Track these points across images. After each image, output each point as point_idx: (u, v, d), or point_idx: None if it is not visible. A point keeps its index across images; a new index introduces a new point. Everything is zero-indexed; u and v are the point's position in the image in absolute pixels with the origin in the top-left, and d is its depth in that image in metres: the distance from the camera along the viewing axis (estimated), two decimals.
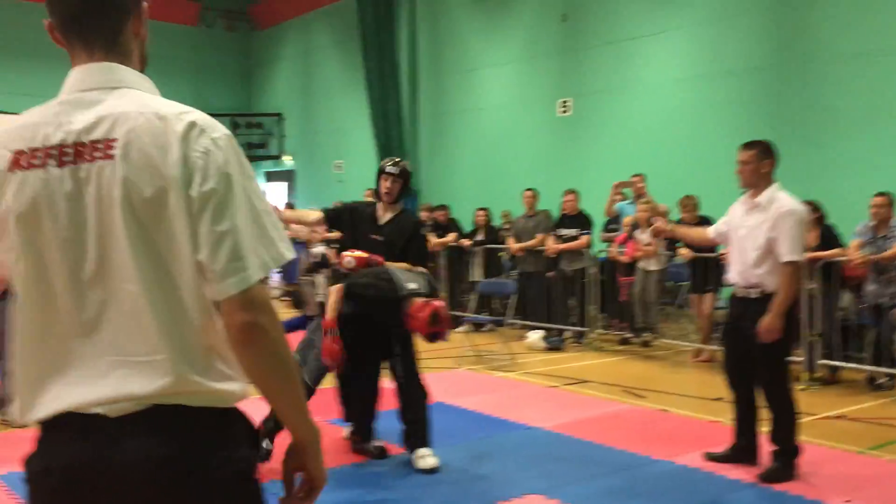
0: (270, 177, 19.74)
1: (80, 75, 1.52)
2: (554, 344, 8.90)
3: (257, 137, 18.91)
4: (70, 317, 1.46)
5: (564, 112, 12.53)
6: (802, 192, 8.44)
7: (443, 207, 11.33)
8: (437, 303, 4.50)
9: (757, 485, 4.41)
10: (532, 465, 4.78)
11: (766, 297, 4.43)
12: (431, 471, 4.62)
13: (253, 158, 18.91)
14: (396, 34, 15.26)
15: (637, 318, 8.83)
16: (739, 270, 4.58)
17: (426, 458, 4.68)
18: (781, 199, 4.45)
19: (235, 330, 1.44)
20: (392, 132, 15.20)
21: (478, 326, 9.89)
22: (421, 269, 4.80)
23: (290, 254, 1.51)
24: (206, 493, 1.45)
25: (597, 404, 6.36)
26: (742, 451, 4.71)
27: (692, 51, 10.90)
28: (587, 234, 8.99)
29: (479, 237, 10.51)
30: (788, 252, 4.36)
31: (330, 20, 17.29)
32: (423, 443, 4.74)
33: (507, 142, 13.34)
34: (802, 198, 7.80)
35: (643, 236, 8.63)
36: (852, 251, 6.89)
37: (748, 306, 4.51)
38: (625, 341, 9.10)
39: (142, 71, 1.59)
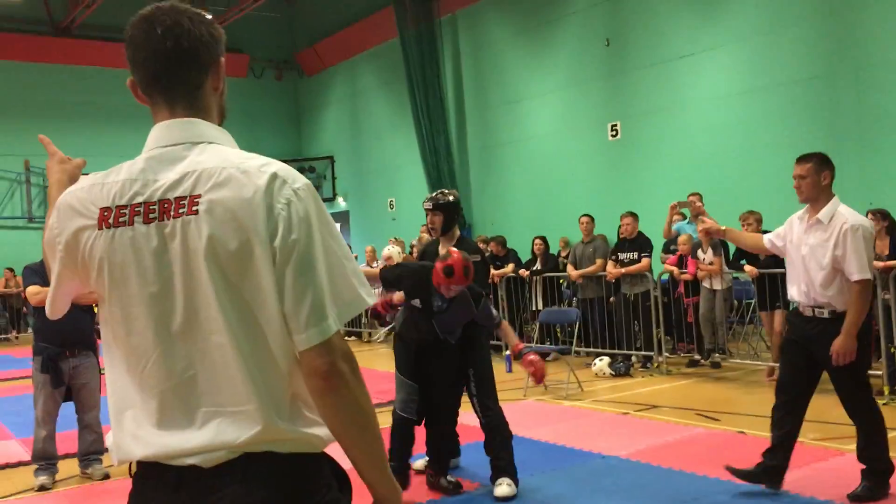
0: None
1: (162, 131, 1.56)
2: (620, 370, 8.78)
3: (311, 181, 19.22)
4: (160, 369, 1.49)
5: (615, 136, 12.51)
6: (865, 200, 8.32)
7: (499, 238, 11.35)
8: (454, 255, 4.63)
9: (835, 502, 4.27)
10: (612, 495, 4.71)
11: (837, 317, 4.26)
12: (504, 499, 4.65)
13: None
14: (441, 70, 15.46)
15: (705, 339, 8.68)
16: (804, 290, 4.41)
17: (501, 486, 4.72)
18: (844, 214, 4.28)
19: (316, 378, 1.46)
20: (442, 167, 15.34)
21: (543, 356, 9.80)
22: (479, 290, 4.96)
23: (370, 299, 1.53)
24: None
25: (671, 429, 6.25)
26: (769, 471, 4.46)
27: (740, 65, 10.81)
28: (647, 256, 8.89)
29: (538, 266, 10.48)
30: (858, 271, 4.18)
31: (375, 62, 17.60)
32: (503, 473, 4.77)
33: (559, 169, 13.34)
34: (867, 206, 7.70)
35: (705, 255, 8.52)
36: None
37: (817, 326, 4.34)
38: (693, 363, 8.94)
39: (221, 122, 1.64)
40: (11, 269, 15.10)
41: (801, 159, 4.43)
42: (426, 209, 5.18)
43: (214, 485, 1.45)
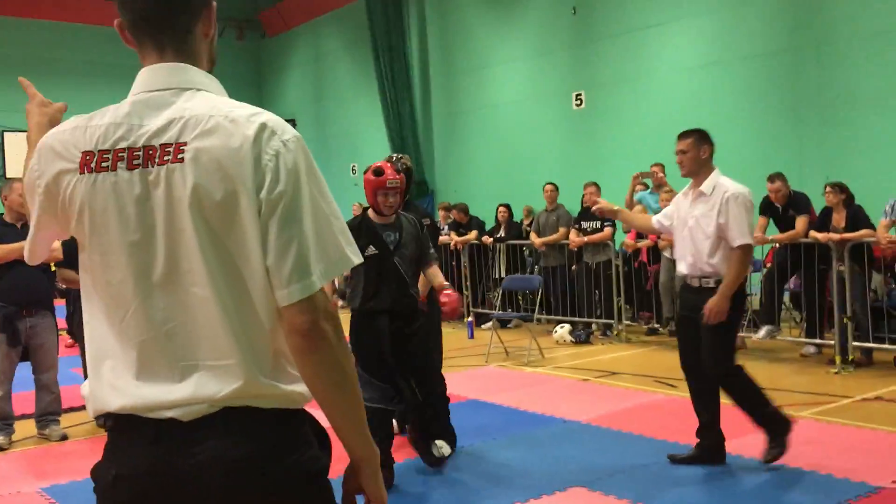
0: None
1: (149, 75, 1.52)
2: (581, 337, 8.89)
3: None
4: (139, 320, 1.47)
5: (579, 105, 12.52)
6: (824, 173, 8.46)
7: (461, 205, 11.34)
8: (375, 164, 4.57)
9: (794, 468, 4.39)
10: (572, 459, 4.79)
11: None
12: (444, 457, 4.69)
13: None
14: (407, 34, 15.28)
15: (664, 308, 8.80)
16: (691, 262, 4.51)
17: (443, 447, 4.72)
18: (725, 185, 4.40)
19: (297, 336, 1.43)
20: (406, 133, 15.24)
21: (504, 323, 9.89)
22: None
23: (356, 258, 1.50)
24: (278, 493, 1.46)
25: (630, 395, 6.36)
26: (710, 451, 4.55)
27: (706, 37, 10.86)
28: (610, 225, 8.97)
29: (501, 234, 10.51)
30: (739, 236, 4.30)
31: (339, 24, 17.34)
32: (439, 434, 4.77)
33: (524, 137, 13.33)
34: (825, 179, 7.82)
35: None
36: (881, 231, 6.85)
37: (704, 295, 4.38)
38: (653, 331, 9.08)
39: (211, 70, 1.60)
40: None
41: (682, 135, 4.57)
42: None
43: (194, 438, 1.43)
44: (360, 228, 4.44)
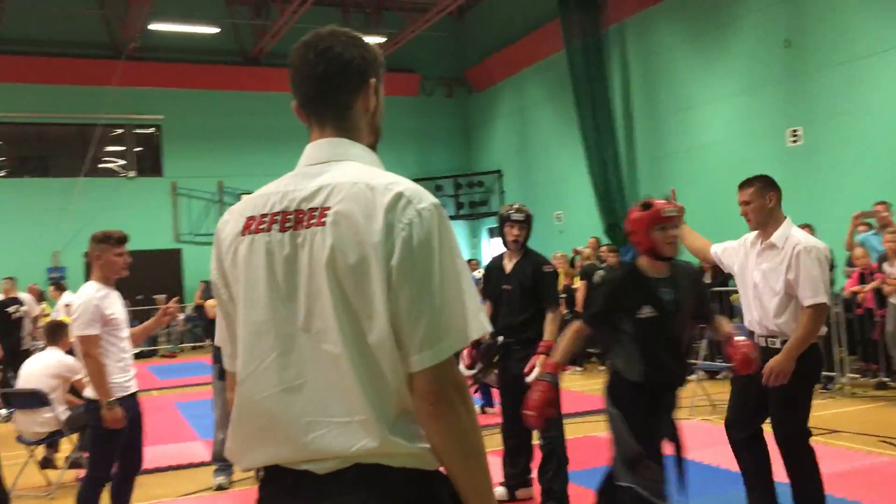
0: (493, 233, 20.22)
1: (311, 150, 1.65)
2: None
3: (479, 195, 19.52)
4: (271, 373, 1.55)
5: (795, 142, 11.81)
6: None
7: (550, 267, 10.95)
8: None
9: None
10: None
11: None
12: None
13: (475, 216, 19.54)
14: (609, 80, 15.22)
15: (893, 359, 7.99)
16: (758, 319, 4.03)
17: None
18: (797, 236, 3.96)
19: (424, 403, 1.48)
20: (610, 178, 15.08)
21: (711, 374, 9.41)
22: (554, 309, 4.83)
23: (485, 328, 1.53)
24: None
25: (851, 457, 5.80)
26: None
27: None
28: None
29: (708, 279, 10.06)
30: (811, 295, 3.83)
31: (542, 75, 17.61)
32: (552, 498, 4.73)
33: (734, 178, 12.63)
34: None
35: (893, 269, 7.87)
36: None
37: (768, 356, 3.91)
38: (881, 385, 8.25)
39: (375, 142, 1.70)
40: (207, 282, 16.34)
41: (743, 184, 4.13)
42: (515, 220, 4.95)
43: (326, 491, 1.49)
44: (630, 284, 3.72)
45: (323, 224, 1.51)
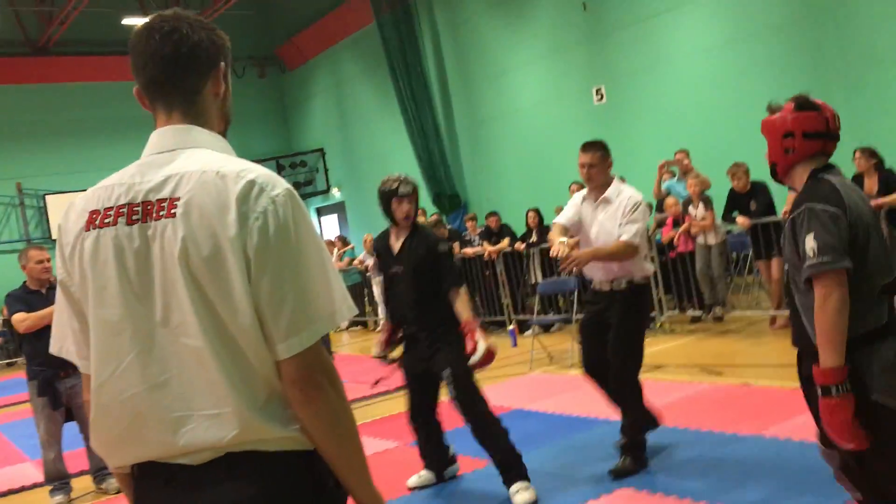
0: (321, 212, 20.03)
1: (157, 137, 1.58)
2: None
3: (303, 175, 19.23)
4: (134, 372, 1.50)
5: (600, 100, 12.43)
6: (854, 139, 8.25)
7: (493, 214, 11.32)
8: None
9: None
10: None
11: (634, 287, 4.49)
12: None
13: (301, 196, 19.18)
14: (421, 50, 15.37)
15: (704, 295, 8.67)
16: (601, 266, 4.53)
17: (519, 493, 4.29)
18: (627, 191, 4.52)
19: (294, 388, 1.47)
20: (432, 147, 15.30)
21: (546, 328, 9.83)
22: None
23: (349, 313, 1.53)
24: None
25: (676, 388, 6.26)
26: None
27: (719, 16, 10.72)
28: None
29: (534, 239, 10.46)
30: (628, 235, 4.37)
31: (355, 49, 17.51)
32: (516, 477, 4.36)
33: (548, 139, 13.29)
34: (855, 144, 7.63)
35: (696, 211, 8.50)
36: None
37: (614, 298, 4.49)
38: (696, 320, 8.94)
39: (225, 128, 1.65)
40: (12, 294, 15.13)
41: (587, 147, 4.58)
42: (403, 194, 4.51)
43: (203, 480, 1.48)
44: None
45: (173, 216, 1.46)
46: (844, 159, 7.64)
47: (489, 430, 4.42)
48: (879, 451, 2.46)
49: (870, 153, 7.17)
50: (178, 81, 1.56)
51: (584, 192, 4.67)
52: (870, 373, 2.44)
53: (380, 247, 4.73)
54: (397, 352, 4.74)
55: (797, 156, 2.65)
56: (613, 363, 4.50)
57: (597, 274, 4.61)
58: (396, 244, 4.61)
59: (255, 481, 1.47)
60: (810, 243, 2.41)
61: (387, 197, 4.54)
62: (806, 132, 2.63)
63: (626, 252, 4.40)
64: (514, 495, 4.28)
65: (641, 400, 4.58)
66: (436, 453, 4.83)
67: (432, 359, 4.49)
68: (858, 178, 7.25)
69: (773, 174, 2.75)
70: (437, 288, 4.48)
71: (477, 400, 4.47)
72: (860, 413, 2.42)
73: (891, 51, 8.91)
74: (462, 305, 4.47)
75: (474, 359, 4.37)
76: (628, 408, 4.55)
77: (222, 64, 1.63)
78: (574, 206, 4.69)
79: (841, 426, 2.41)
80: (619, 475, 4.39)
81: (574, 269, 4.50)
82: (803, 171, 2.65)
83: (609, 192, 4.50)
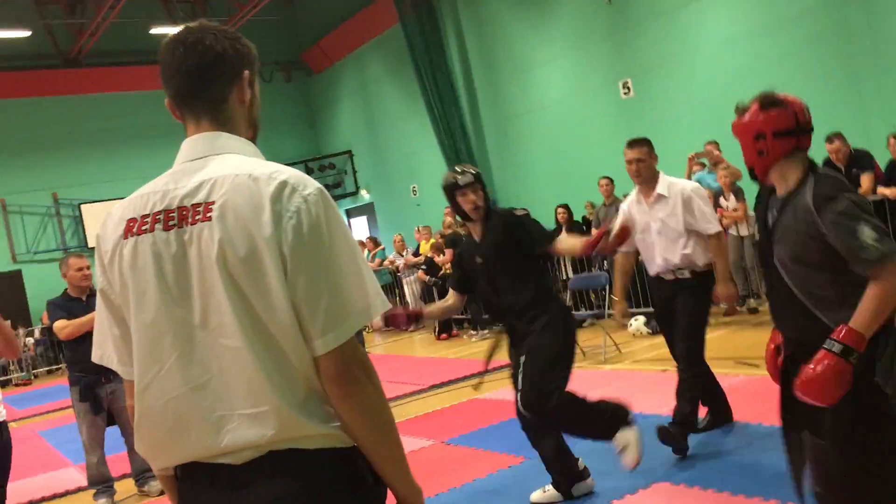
0: (351, 213, 20.12)
1: (188, 146, 1.62)
2: (657, 327, 8.72)
3: (332, 178, 19.33)
4: (174, 375, 1.54)
5: (627, 93, 12.37)
6: (887, 125, 8.13)
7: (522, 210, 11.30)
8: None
9: None
10: (654, 454, 4.70)
11: (697, 274, 4.61)
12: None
13: None
14: (447, 50, 15.39)
15: (738, 287, 8.59)
16: (665, 259, 4.63)
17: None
18: (679, 183, 4.64)
19: (332, 384, 1.50)
20: (459, 146, 15.32)
21: (578, 323, 9.80)
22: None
23: (383, 307, 1.55)
24: None
25: None
26: (717, 418, 4.90)
27: (745, 5, 10.61)
28: None
29: (563, 234, 10.44)
30: (712, 225, 4.57)
31: (380, 51, 17.57)
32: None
33: (575, 134, 13.24)
34: (889, 131, 7.53)
35: (728, 202, 8.43)
36: None
37: (680, 286, 4.62)
38: (731, 312, 8.85)
39: (254, 135, 1.69)
40: (53, 301, 15.40)
41: (633, 144, 4.70)
42: (464, 185, 4.09)
43: (246, 479, 1.51)
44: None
45: (209, 219, 1.50)
46: (879, 145, 7.54)
47: (573, 421, 4.05)
48: (871, 462, 2.40)
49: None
50: (203, 92, 1.61)
51: (631, 198, 4.79)
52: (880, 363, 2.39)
53: (463, 250, 4.40)
54: (494, 346, 4.42)
55: (771, 157, 2.56)
56: (679, 348, 4.67)
57: (656, 265, 4.72)
58: (478, 236, 4.25)
59: (296, 479, 1.50)
60: (868, 232, 2.33)
61: (450, 192, 4.15)
62: (776, 131, 2.53)
63: (723, 243, 4.64)
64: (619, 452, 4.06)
65: (701, 387, 4.71)
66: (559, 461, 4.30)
67: (521, 348, 4.07)
68: (894, 165, 7.14)
69: (752, 176, 2.67)
70: (522, 268, 4.08)
71: (550, 394, 3.92)
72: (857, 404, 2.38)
73: None
74: (565, 245, 4.12)
75: (612, 235, 3.94)
76: (690, 388, 4.62)
77: (247, 72, 1.66)
78: (623, 214, 4.75)
79: (836, 386, 2.33)
80: (664, 436, 4.50)
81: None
82: (788, 167, 2.56)
83: (661, 188, 4.60)
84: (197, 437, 1.52)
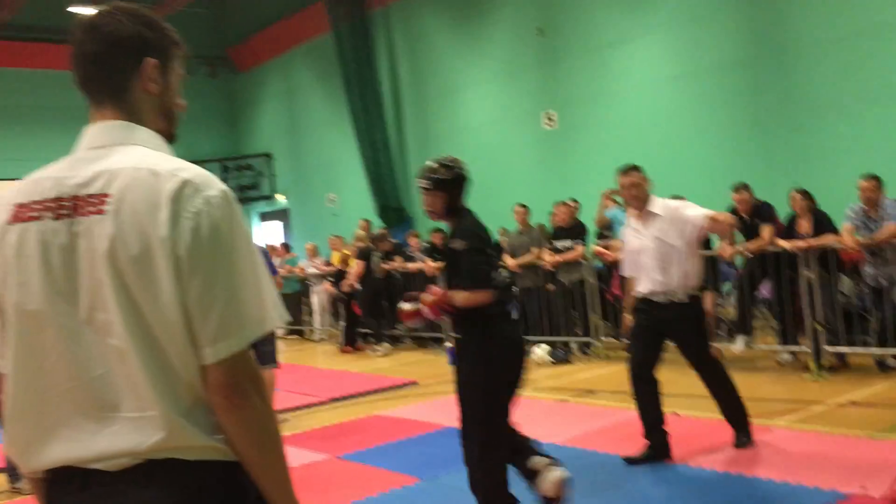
0: (264, 217, 19.80)
1: (91, 133, 1.55)
2: (560, 357, 8.87)
3: (248, 179, 19.01)
4: (58, 370, 1.46)
5: (550, 124, 12.59)
6: (791, 181, 8.52)
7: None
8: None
9: (774, 481, 4.39)
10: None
11: (693, 298, 4.90)
12: None
13: (245, 200, 19.01)
14: (376, 64, 15.37)
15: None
16: (660, 280, 4.84)
17: None
18: (669, 202, 4.98)
19: (218, 395, 1.44)
20: (381, 160, 15.29)
21: None
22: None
23: (279, 320, 1.50)
24: None
25: (607, 414, 6.33)
26: (659, 449, 4.97)
27: (671, 51, 10.98)
28: (580, 243, 8.99)
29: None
30: (702, 212, 4.82)
31: (310, 57, 17.43)
32: None
33: (496, 159, 13.39)
34: (791, 186, 7.87)
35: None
36: (846, 236, 6.89)
37: (676, 310, 4.86)
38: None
39: (167, 128, 1.61)
40: None
41: (629, 170, 4.97)
42: (420, 186, 4.04)
43: (119, 488, 1.43)
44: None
45: (102, 212, 1.42)
46: (782, 201, 7.88)
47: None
48: None
49: (804, 195, 7.39)
50: (104, 78, 1.54)
51: (626, 225, 5.13)
52: None
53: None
54: None
55: None
56: (705, 373, 5.04)
57: (647, 285, 4.93)
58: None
59: (172, 491, 1.43)
60: None
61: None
62: None
63: (718, 216, 4.90)
64: None
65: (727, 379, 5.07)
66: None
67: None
68: (793, 219, 7.46)
69: None
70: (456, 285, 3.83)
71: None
72: None
73: (830, 98, 9.24)
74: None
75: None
76: (730, 398, 5.03)
77: (153, 60, 1.57)
78: (625, 238, 5.14)
79: None
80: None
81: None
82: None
83: (654, 208, 4.91)
84: (75, 438, 1.45)
